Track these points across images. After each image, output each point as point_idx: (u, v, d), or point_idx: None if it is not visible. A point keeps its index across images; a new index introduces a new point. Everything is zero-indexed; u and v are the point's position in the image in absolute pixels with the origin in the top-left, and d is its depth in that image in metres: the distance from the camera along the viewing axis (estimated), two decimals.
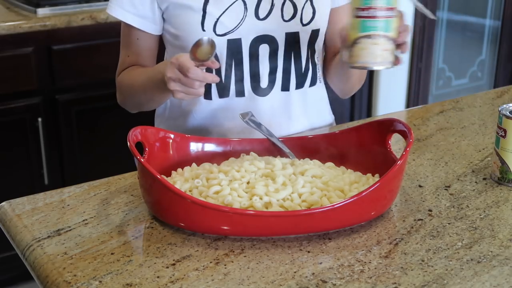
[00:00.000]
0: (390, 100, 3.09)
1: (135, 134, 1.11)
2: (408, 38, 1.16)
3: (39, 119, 2.24)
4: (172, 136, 1.20)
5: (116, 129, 1.99)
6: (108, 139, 2.37)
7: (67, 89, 2.27)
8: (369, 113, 3.06)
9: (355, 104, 2.99)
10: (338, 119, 1.58)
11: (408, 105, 3.19)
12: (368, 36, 1.11)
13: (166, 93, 1.22)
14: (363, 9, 1.11)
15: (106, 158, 2.36)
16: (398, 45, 1.14)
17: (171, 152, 1.18)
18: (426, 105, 1.68)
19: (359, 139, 1.21)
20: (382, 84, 3.02)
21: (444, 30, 3.29)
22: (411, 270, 0.96)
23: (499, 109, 1.19)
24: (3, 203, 1.14)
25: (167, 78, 1.15)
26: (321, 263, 0.97)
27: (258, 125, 1.25)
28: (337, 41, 1.41)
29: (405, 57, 3.11)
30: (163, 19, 1.35)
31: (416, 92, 3.20)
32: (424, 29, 3.13)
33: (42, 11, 2.22)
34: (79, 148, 2.35)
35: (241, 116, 1.28)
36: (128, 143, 1.07)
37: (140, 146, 1.10)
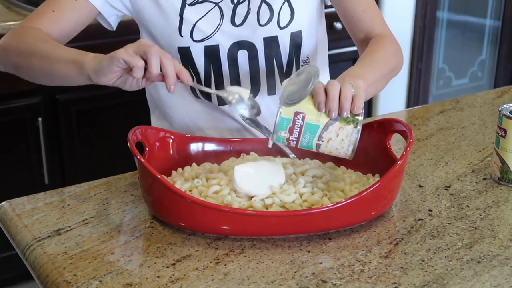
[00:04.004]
0: (390, 100, 3.09)
1: (135, 134, 1.11)
2: (335, 104, 1.03)
3: (39, 119, 2.24)
4: (172, 136, 1.20)
5: (116, 129, 1.98)
6: (108, 139, 2.37)
7: (67, 89, 2.26)
8: (369, 113, 3.06)
9: None
10: None
11: (408, 105, 3.19)
12: (318, 146, 1.06)
13: (78, 76, 1.12)
14: (289, 144, 1.07)
15: (106, 158, 2.36)
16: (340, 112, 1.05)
17: (171, 152, 1.18)
18: (426, 105, 1.68)
19: (359, 139, 1.21)
20: None
21: (444, 30, 3.29)
22: (411, 270, 0.96)
23: (499, 109, 1.19)
24: (3, 203, 1.14)
25: (124, 52, 1.03)
26: (321, 263, 0.97)
27: (258, 125, 1.24)
28: (355, 30, 1.37)
29: (405, 57, 3.11)
30: (138, 24, 1.34)
31: (416, 92, 3.20)
32: (424, 29, 3.13)
33: None
34: (79, 148, 2.34)
35: (241, 116, 1.28)
36: (128, 143, 1.07)
37: (140, 146, 1.10)
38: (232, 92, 1.11)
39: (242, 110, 1.11)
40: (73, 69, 1.13)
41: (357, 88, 1.10)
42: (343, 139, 1.05)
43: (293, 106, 1.04)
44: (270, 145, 1.10)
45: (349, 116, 1.05)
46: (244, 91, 1.12)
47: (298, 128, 1.05)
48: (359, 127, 1.05)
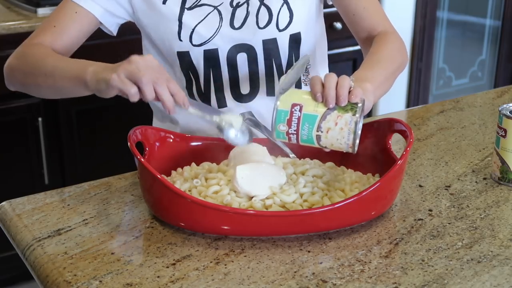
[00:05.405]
0: (390, 100, 3.09)
1: (135, 134, 1.11)
2: (332, 92, 1.02)
3: (40, 119, 2.24)
4: (172, 135, 1.20)
5: (116, 129, 1.99)
6: (108, 139, 2.37)
7: None
8: (369, 113, 3.06)
9: None
10: None
11: (408, 105, 3.19)
12: (318, 138, 1.04)
13: (84, 90, 1.14)
14: (289, 139, 1.05)
15: (106, 158, 2.36)
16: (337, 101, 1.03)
17: (171, 152, 1.18)
18: (426, 105, 1.68)
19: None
20: None
21: (444, 30, 3.29)
22: (411, 270, 0.96)
23: (499, 109, 1.19)
24: (3, 203, 1.14)
25: (124, 65, 1.04)
26: (321, 263, 0.97)
27: (258, 125, 1.24)
28: (358, 28, 1.36)
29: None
30: (139, 29, 1.35)
31: (416, 92, 3.20)
32: (424, 29, 3.13)
33: (42, 11, 2.22)
34: (79, 148, 2.34)
35: (241, 115, 1.27)
36: (129, 143, 1.07)
37: (140, 146, 1.10)
38: (224, 119, 1.12)
39: (233, 137, 1.12)
40: (77, 86, 1.15)
41: (365, 91, 1.09)
42: (342, 127, 1.03)
43: (286, 97, 1.04)
44: (274, 139, 1.09)
45: (348, 104, 1.04)
46: (235, 119, 1.12)
47: (296, 120, 1.03)
48: (358, 115, 1.03)
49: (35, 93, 1.31)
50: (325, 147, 1.06)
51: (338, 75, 1.11)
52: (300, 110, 1.03)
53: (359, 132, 1.04)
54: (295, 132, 1.04)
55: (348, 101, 1.04)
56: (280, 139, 1.07)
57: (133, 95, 1.04)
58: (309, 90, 1.06)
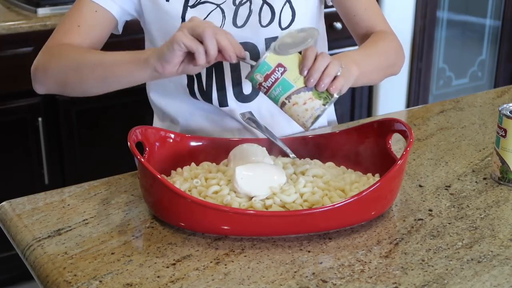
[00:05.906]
0: (390, 100, 3.09)
1: (135, 134, 1.11)
2: (317, 74, 1.04)
3: (40, 119, 2.24)
4: (172, 135, 1.20)
5: (116, 129, 1.99)
6: (108, 139, 2.37)
7: None
8: (369, 113, 3.06)
9: (355, 104, 2.99)
10: (339, 119, 1.58)
11: (408, 105, 3.19)
12: (283, 104, 1.07)
13: (141, 72, 1.13)
14: (259, 88, 1.08)
15: (106, 158, 2.36)
16: (318, 85, 1.05)
17: (171, 152, 1.18)
18: (426, 105, 1.68)
19: (359, 139, 1.21)
20: (382, 84, 3.02)
21: (444, 30, 3.29)
22: (412, 270, 0.96)
23: (499, 108, 1.19)
24: (3, 203, 1.14)
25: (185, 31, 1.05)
26: (321, 263, 0.97)
27: (258, 125, 1.25)
28: (357, 27, 1.37)
29: (406, 57, 3.11)
30: (142, 27, 1.34)
31: (416, 92, 3.20)
32: (424, 29, 3.13)
33: (42, 11, 2.22)
34: (79, 148, 2.35)
35: (241, 115, 1.28)
36: (129, 143, 1.07)
37: (140, 146, 1.10)
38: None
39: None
40: (135, 68, 1.13)
41: (349, 72, 1.10)
42: (307, 109, 1.06)
43: (278, 56, 1.05)
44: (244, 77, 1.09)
45: (324, 92, 1.06)
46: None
47: (274, 79, 1.06)
48: (327, 107, 1.07)
49: (76, 89, 1.26)
50: (284, 112, 1.09)
51: None
52: (282, 73, 1.06)
53: (319, 119, 1.08)
54: (267, 88, 1.07)
55: (326, 89, 1.06)
56: (250, 81, 1.08)
57: (201, 53, 1.04)
58: (300, 57, 1.07)
